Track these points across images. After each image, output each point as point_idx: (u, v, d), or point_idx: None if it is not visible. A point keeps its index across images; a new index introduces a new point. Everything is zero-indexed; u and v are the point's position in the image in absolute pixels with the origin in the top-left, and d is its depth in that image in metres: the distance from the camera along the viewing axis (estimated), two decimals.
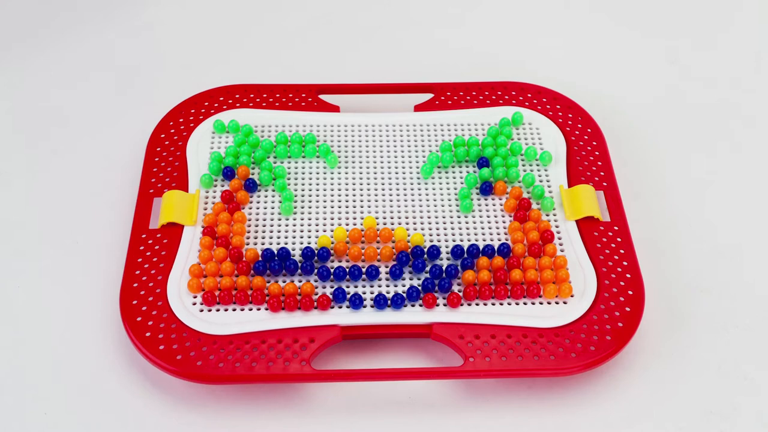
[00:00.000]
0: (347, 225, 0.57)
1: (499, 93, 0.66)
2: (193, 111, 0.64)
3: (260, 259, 0.54)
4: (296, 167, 0.61)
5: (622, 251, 0.56)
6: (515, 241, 0.56)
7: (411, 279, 0.54)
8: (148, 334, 0.51)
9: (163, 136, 0.63)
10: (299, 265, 0.54)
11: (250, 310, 0.52)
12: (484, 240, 0.57)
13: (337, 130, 0.63)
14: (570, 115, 0.65)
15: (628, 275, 0.54)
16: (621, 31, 0.77)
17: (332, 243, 0.55)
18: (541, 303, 0.53)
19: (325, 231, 0.57)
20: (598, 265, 0.55)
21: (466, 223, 0.58)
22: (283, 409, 0.50)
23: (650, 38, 0.77)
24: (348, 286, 0.54)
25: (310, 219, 0.58)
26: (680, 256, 0.59)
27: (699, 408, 0.51)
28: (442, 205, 0.59)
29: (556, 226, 0.57)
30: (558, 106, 0.65)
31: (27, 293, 0.56)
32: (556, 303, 0.53)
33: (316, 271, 0.54)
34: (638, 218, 0.60)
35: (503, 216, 0.58)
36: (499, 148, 0.62)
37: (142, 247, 0.55)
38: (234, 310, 0.52)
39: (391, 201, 0.59)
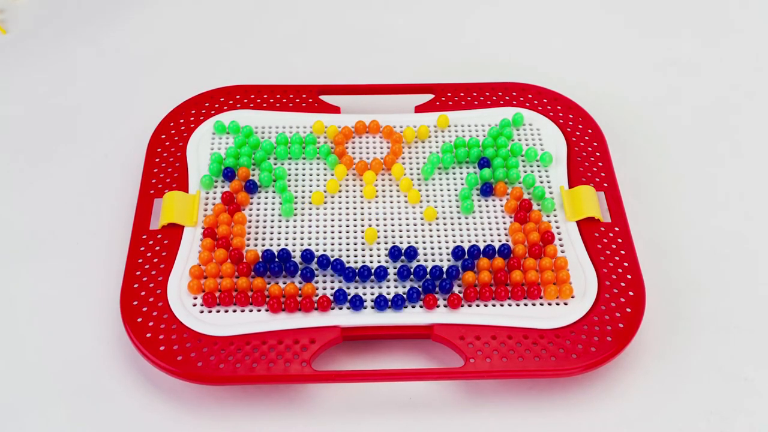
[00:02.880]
0: (347, 226, 0.57)
1: (500, 94, 0.66)
2: (193, 112, 0.64)
3: (260, 260, 0.54)
4: (296, 168, 0.61)
5: (622, 252, 0.56)
6: (516, 242, 0.56)
7: (412, 280, 0.54)
8: (148, 335, 0.51)
9: (163, 136, 0.63)
10: (299, 266, 0.54)
11: (251, 311, 0.52)
12: (485, 241, 0.57)
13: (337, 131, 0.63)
14: (570, 116, 0.65)
15: (629, 276, 0.54)
16: (622, 31, 0.77)
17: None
18: (541, 304, 0.53)
19: (325, 233, 0.57)
20: (599, 266, 0.55)
21: (467, 223, 0.58)
22: (283, 410, 0.50)
23: (651, 38, 0.77)
24: (349, 287, 0.54)
25: (310, 220, 0.58)
26: (681, 256, 0.59)
27: (700, 409, 0.51)
28: (443, 206, 0.59)
29: (557, 227, 0.57)
30: (558, 107, 0.65)
31: (27, 294, 0.56)
32: (557, 304, 0.53)
33: (315, 260, 0.54)
34: (639, 219, 0.60)
35: (504, 217, 0.58)
36: (499, 149, 0.62)
37: (142, 248, 0.55)
38: (234, 311, 0.52)
39: (391, 202, 0.59)
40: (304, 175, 0.61)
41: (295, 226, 0.57)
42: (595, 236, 0.57)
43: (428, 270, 0.54)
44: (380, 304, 0.52)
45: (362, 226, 0.57)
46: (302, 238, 0.56)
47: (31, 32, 0.75)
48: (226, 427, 0.50)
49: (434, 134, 0.63)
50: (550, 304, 0.53)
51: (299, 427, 0.50)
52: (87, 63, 0.73)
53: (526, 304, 0.53)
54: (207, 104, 0.65)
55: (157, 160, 0.61)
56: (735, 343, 0.54)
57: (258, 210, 0.58)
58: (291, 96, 0.65)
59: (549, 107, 0.65)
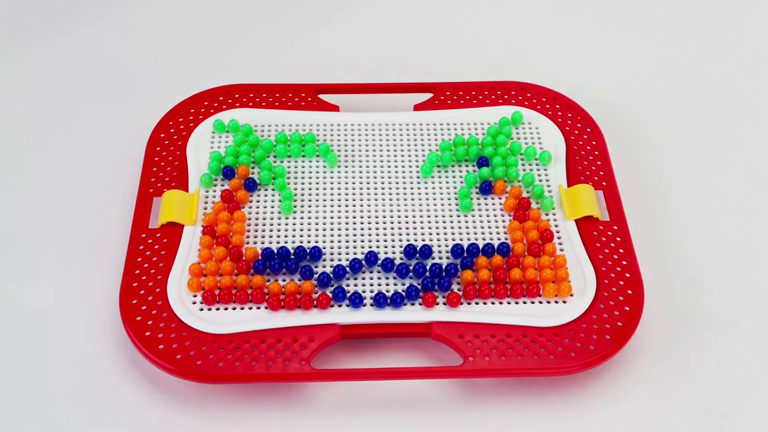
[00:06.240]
0: (347, 224, 0.57)
1: (499, 92, 0.66)
2: (192, 111, 0.64)
3: (260, 258, 0.54)
4: (296, 166, 0.61)
5: (621, 251, 0.56)
6: (515, 240, 0.56)
7: (411, 278, 0.54)
8: (147, 334, 0.51)
9: (162, 135, 0.63)
10: (299, 264, 0.54)
11: (250, 309, 0.52)
12: (484, 239, 0.57)
13: (336, 130, 0.63)
14: (570, 115, 0.65)
15: (628, 275, 0.54)
16: (621, 30, 0.77)
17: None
18: (540, 302, 0.53)
19: (324, 230, 0.57)
20: (598, 265, 0.55)
21: (466, 222, 0.58)
22: (282, 409, 0.50)
23: (650, 38, 0.77)
24: (348, 285, 0.54)
25: (309, 218, 0.58)
26: (680, 255, 0.59)
27: (698, 407, 0.51)
28: (442, 205, 0.59)
29: (556, 226, 0.57)
30: (558, 106, 0.65)
31: (26, 293, 0.56)
32: (556, 302, 0.53)
33: (316, 277, 0.54)
34: (638, 218, 0.60)
35: (503, 215, 0.58)
36: (498, 148, 0.62)
37: (141, 247, 0.55)
38: (234, 309, 0.52)
39: (390, 200, 0.59)
40: (303, 173, 0.61)
41: (294, 224, 0.57)
42: (594, 235, 0.57)
43: (427, 268, 0.54)
44: (379, 301, 0.52)
45: (362, 224, 0.57)
46: (302, 236, 0.56)
47: (30, 30, 0.75)
48: (225, 425, 0.50)
49: (434, 133, 0.63)
50: (548, 303, 0.53)
51: (298, 425, 0.50)
52: (86, 62, 0.73)
53: (524, 303, 0.53)
54: (206, 103, 0.65)
55: (157, 158, 0.61)
56: (734, 341, 0.54)
57: (257, 208, 0.58)
58: (290, 95, 0.65)
59: (548, 106, 0.65)
